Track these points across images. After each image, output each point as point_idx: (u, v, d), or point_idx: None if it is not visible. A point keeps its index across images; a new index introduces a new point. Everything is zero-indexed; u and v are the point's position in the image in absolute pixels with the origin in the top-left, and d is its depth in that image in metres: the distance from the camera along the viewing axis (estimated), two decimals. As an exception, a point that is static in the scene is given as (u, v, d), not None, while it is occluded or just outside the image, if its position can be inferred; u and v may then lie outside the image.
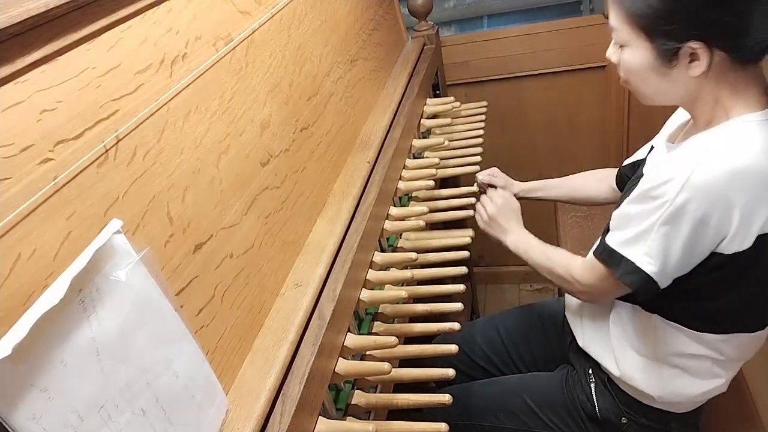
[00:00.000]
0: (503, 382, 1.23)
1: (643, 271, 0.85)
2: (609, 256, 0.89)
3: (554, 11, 2.00)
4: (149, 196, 0.68)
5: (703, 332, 0.91)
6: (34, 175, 0.55)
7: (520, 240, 1.14)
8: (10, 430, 0.46)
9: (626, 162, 1.16)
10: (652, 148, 1.04)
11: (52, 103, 0.58)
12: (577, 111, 1.99)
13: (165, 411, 0.61)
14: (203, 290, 0.74)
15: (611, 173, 1.24)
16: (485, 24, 2.03)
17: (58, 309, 0.50)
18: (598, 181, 1.27)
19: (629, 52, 0.86)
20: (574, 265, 1.00)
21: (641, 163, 1.03)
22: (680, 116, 1.01)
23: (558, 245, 1.73)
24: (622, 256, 0.87)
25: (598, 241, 0.95)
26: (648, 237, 0.83)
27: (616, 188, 1.21)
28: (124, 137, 0.66)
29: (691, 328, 0.91)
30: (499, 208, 1.20)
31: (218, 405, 0.70)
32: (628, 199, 0.89)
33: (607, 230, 0.93)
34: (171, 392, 0.63)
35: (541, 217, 1.61)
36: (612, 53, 0.92)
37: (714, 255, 0.82)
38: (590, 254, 0.96)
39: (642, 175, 0.94)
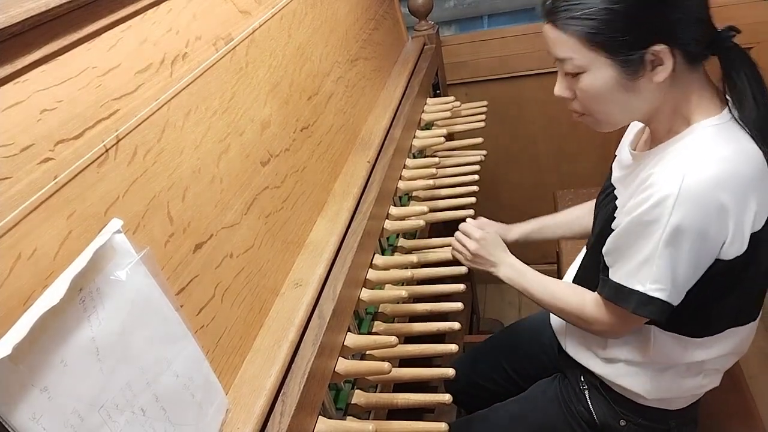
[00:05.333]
0: (501, 416, 1.20)
1: (656, 299, 0.83)
2: (616, 294, 0.87)
3: (554, 11, 2.00)
4: (150, 196, 0.68)
5: (698, 337, 0.91)
6: (35, 175, 0.55)
7: (512, 273, 1.09)
8: (10, 430, 0.47)
9: None
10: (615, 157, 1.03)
11: (52, 103, 0.58)
12: (577, 110, 1.99)
13: (165, 411, 0.61)
14: (203, 290, 0.74)
15: None
16: (485, 23, 2.02)
17: (58, 309, 0.50)
18: (591, 211, 1.18)
19: (589, 77, 0.82)
20: (587, 307, 0.95)
21: (608, 176, 1.03)
22: (635, 125, 1.01)
23: (558, 249, 1.74)
24: (630, 290, 0.85)
25: (600, 281, 0.92)
26: (653, 263, 0.81)
27: None
28: (124, 137, 0.66)
29: (686, 335, 0.91)
30: (481, 243, 1.11)
31: (218, 405, 0.70)
32: (615, 233, 0.87)
33: (605, 268, 0.91)
34: (171, 392, 0.63)
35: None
36: (563, 89, 0.88)
37: (716, 262, 0.82)
38: (597, 294, 0.93)
39: (613, 189, 0.95)
